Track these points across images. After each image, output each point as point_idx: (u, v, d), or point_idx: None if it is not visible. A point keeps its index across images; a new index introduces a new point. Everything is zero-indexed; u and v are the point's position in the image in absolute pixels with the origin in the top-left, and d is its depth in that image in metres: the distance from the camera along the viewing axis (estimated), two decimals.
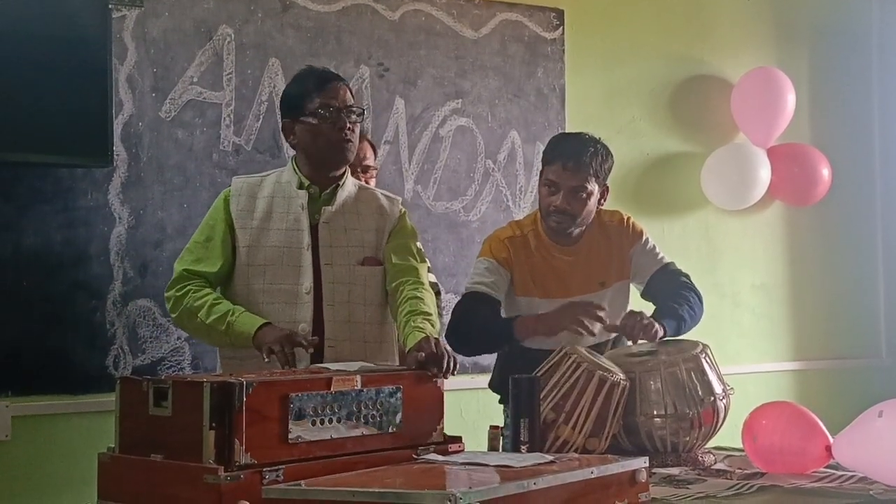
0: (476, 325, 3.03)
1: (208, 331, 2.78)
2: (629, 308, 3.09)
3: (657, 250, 3.17)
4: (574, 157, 3.02)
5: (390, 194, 3.07)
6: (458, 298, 3.23)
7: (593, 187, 3.04)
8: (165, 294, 2.87)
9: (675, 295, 3.08)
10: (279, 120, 2.99)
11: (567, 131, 4.01)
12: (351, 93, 2.89)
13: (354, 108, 2.86)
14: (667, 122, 4.64)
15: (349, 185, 2.93)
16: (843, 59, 5.14)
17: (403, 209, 3.00)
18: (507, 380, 2.68)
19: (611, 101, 4.49)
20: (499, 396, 3.17)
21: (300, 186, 2.87)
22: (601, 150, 3.07)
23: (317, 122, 2.81)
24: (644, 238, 3.16)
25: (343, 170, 2.90)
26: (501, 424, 2.83)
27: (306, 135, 2.84)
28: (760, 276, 4.89)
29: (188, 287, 2.80)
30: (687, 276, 3.17)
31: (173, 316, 2.86)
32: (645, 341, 2.90)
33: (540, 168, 3.16)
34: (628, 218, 3.19)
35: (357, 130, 2.88)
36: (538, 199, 3.15)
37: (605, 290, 3.09)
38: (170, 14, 3.55)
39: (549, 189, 3.04)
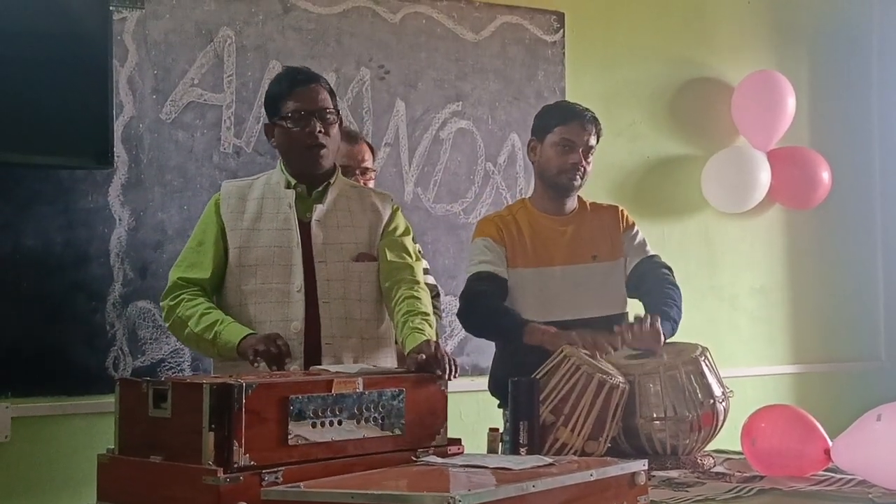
0: (486, 315, 3.06)
1: (198, 340, 2.76)
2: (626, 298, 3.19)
3: (646, 242, 3.25)
4: (588, 117, 3.17)
5: (382, 191, 3.08)
6: (462, 291, 3.18)
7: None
8: (161, 303, 2.87)
9: (662, 294, 3.11)
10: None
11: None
12: (329, 92, 2.85)
13: (328, 110, 2.83)
14: (667, 125, 4.65)
15: (340, 182, 2.93)
16: (843, 63, 5.14)
17: (396, 205, 2.99)
18: (504, 383, 2.69)
19: (611, 104, 4.48)
20: (498, 401, 3.17)
21: (288, 186, 2.86)
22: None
23: (290, 126, 2.81)
24: (636, 229, 3.26)
25: (322, 172, 2.87)
26: (500, 428, 2.81)
27: (282, 138, 2.84)
28: (760, 279, 4.89)
29: (182, 296, 2.79)
30: (670, 269, 3.22)
31: (167, 325, 2.87)
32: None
33: (536, 135, 3.20)
34: (623, 210, 3.29)
35: (333, 132, 2.84)
36: (542, 163, 3.17)
37: (598, 263, 3.16)
38: (171, 16, 3.56)
39: (565, 148, 3.13)
